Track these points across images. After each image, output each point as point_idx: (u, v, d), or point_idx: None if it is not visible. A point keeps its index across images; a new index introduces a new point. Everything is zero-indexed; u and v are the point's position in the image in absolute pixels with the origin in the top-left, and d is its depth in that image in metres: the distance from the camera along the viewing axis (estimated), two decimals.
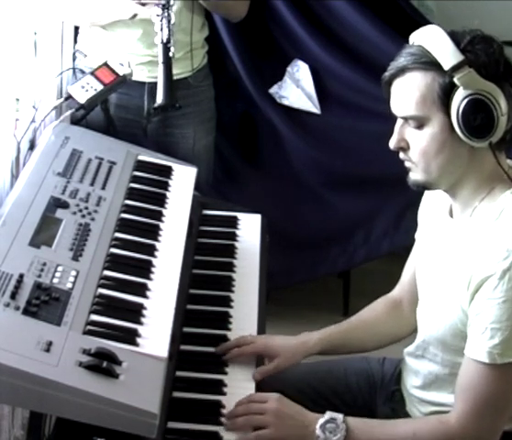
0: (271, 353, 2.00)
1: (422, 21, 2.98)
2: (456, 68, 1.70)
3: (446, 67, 1.71)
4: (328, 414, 1.79)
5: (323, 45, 3.15)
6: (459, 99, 1.71)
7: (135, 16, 2.58)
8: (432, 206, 2.00)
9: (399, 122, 1.82)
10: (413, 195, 3.39)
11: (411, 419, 1.95)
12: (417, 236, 2.07)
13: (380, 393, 2.11)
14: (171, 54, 2.47)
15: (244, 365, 1.95)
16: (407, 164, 1.84)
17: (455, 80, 1.71)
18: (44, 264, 1.72)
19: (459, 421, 1.76)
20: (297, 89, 3.17)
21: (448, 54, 1.71)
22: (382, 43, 3.07)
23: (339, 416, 1.78)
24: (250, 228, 2.38)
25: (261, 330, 2.09)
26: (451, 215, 1.90)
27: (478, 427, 1.75)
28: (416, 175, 1.83)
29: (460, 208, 1.85)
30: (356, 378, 2.14)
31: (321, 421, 1.78)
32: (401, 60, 1.78)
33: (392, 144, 1.83)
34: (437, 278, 1.90)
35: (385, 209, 3.28)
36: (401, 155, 1.84)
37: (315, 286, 3.55)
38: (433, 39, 1.74)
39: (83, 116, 2.42)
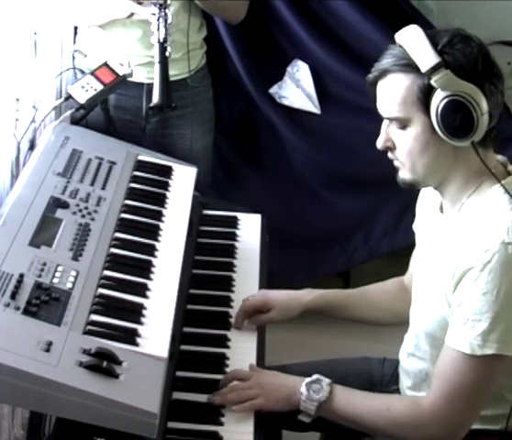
0: (268, 305, 2.09)
1: (422, 21, 2.98)
2: (433, 70, 1.72)
3: (423, 69, 1.73)
4: (316, 376, 1.86)
5: (323, 45, 3.15)
6: (437, 101, 1.73)
7: (132, 15, 2.58)
8: (426, 202, 2.02)
9: (385, 122, 1.86)
10: (413, 195, 3.39)
11: (389, 395, 1.98)
12: (414, 227, 2.09)
13: (380, 393, 2.12)
14: (167, 54, 2.46)
15: (244, 365, 1.95)
16: (396, 163, 1.87)
17: (432, 82, 1.73)
18: (44, 264, 1.72)
19: (430, 405, 1.79)
20: (297, 89, 3.17)
21: (425, 56, 1.73)
22: (382, 43, 3.03)
23: (326, 379, 1.85)
24: (250, 228, 2.38)
25: (260, 330, 2.10)
26: (442, 211, 1.91)
27: (448, 414, 1.77)
28: (403, 174, 1.86)
29: (449, 204, 1.87)
30: (356, 378, 2.15)
31: (308, 380, 1.85)
32: (383, 62, 1.82)
33: (379, 144, 1.87)
34: (427, 273, 1.92)
35: (385, 209, 3.28)
36: (389, 154, 1.87)
37: (315, 286, 3.54)
38: (412, 41, 1.76)
39: (83, 116, 2.42)
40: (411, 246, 2.21)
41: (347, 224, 3.31)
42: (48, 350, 1.52)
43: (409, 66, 1.75)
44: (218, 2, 2.74)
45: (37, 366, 1.48)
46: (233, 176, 3.31)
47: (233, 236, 2.34)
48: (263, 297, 2.12)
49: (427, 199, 2.02)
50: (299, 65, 3.17)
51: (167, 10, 2.47)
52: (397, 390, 2.08)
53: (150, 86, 2.67)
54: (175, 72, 2.63)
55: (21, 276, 1.66)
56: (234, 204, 2.53)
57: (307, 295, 2.14)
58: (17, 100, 2.50)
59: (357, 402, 1.85)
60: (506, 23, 3.42)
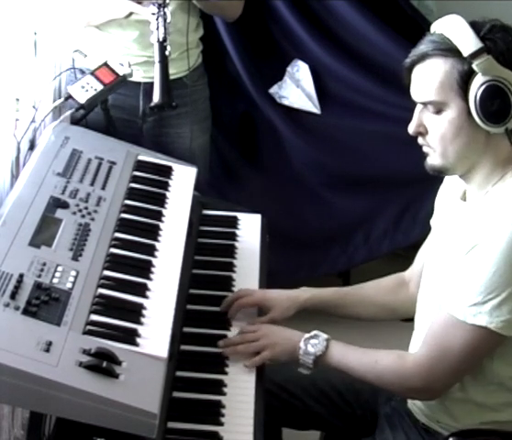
0: (267, 305, 2.11)
1: (422, 21, 2.99)
2: (475, 55, 1.76)
3: (465, 54, 1.77)
4: (315, 332, 1.94)
5: (323, 45, 3.15)
6: (477, 85, 1.77)
7: (130, 14, 2.58)
8: (446, 195, 2.04)
9: (418, 107, 1.88)
10: (413, 195, 3.40)
11: (379, 350, 2.00)
12: (432, 222, 2.11)
13: (382, 392, 2.12)
14: (167, 53, 2.46)
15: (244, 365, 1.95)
16: (425, 149, 1.89)
17: (474, 66, 1.77)
18: (44, 264, 1.72)
19: (415, 361, 1.86)
20: (297, 89, 3.17)
21: (467, 41, 1.77)
22: (382, 43, 3.07)
23: (324, 335, 1.93)
24: (250, 228, 2.38)
25: None
26: (464, 199, 1.94)
27: (429, 373, 1.84)
28: (433, 160, 1.88)
29: (474, 192, 1.90)
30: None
31: (307, 335, 1.93)
32: (422, 47, 1.84)
33: (411, 129, 1.89)
34: (444, 263, 1.93)
35: (385, 209, 3.28)
36: (419, 140, 1.90)
37: (315, 286, 3.54)
38: (454, 27, 1.80)
39: (82, 116, 2.41)
40: (411, 246, 2.21)
41: (347, 224, 3.31)
42: (48, 350, 1.52)
43: (449, 50, 1.79)
44: (216, 2, 2.74)
45: (37, 366, 1.47)
46: (233, 176, 3.31)
47: (233, 236, 2.34)
48: (263, 297, 2.13)
49: (446, 193, 2.04)
50: (299, 65, 3.17)
51: (166, 9, 2.47)
52: None
53: (146, 85, 2.68)
54: (173, 71, 2.62)
55: (21, 276, 1.65)
56: (234, 204, 2.53)
57: (304, 294, 2.16)
58: (17, 100, 2.50)
59: (350, 356, 1.92)
60: (506, 23, 3.42)
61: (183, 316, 2.03)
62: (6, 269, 1.67)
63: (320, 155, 3.24)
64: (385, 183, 3.24)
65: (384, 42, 3.05)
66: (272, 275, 2.35)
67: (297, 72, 3.17)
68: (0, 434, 2.30)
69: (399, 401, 2.07)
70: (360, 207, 3.29)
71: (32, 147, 2.41)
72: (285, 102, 3.20)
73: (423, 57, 1.83)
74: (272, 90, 3.20)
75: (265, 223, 2.42)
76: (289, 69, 3.18)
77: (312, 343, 1.92)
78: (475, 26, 1.80)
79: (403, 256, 2.26)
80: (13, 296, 1.60)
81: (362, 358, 1.92)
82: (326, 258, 3.32)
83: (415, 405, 2.01)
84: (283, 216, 3.20)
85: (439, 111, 1.83)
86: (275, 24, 3.17)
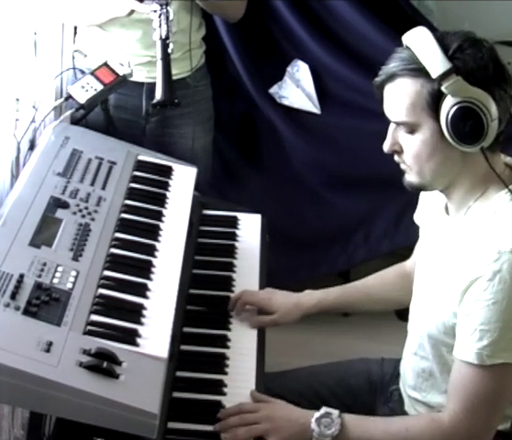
0: (270, 308, 2.10)
1: (422, 21, 2.98)
2: (444, 76, 1.70)
3: (434, 75, 1.71)
4: (324, 409, 1.81)
5: (323, 45, 3.15)
6: (447, 107, 1.71)
7: (132, 12, 2.57)
8: (430, 204, 2.01)
9: (392, 126, 1.84)
10: (413, 195, 3.39)
11: (405, 417, 1.96)
12: (415, 217, 2.11)
13: (380, 394, 2.12)
14: (169, 50, 2.46)
15: (244, 365, 1.95)
16: (402, 166, 1.86)
17: (443, 88, 1.71)
18: (44, 264, 1.72)
19: (451, 419, 1.77)
20: (297, 89, 3.17)
21: (435, 62, 1.70)
22: (382, 43, 3.07)
23: (335, 411, 1.80)
24: (250, 228, 2.38)
25: (260, 330, 2.09)
26: (447, 213, 1.91)
27: (470, 426, 1.76)
28: (410, 177, 1.84)
29: (454, 207, 1.87)
30: (356, 379, 2.15)
31: (317, 415, 1.80)
32: (391, 66, 1.78)
33: (385, 147, 1.85)
34: (431, 275, 1.91)
35: (385, 209, 3.28)
36: (395, 158, 1.86)
37: (315, 286, 3.54)
38: (422, 45, 1.73)
39: (83, 116, 2.41)
40: (411, 246, 2.21)
41: (347, 224, 3.31)
42: (48, 350, 1.52)
43: (418, 71, 1.73)
44: (219, 2, 2.74)
45: (37, 366, 1.47)
46: (233, 176, 3.31)
47: (233, 236, 2.34)
48: (269, 299, 2.12)
49: (429, 204, 2.01)
50: (299, 65, 3.17)
51: (168, 7, 2.47)
52: (397, 390, 2.08)
53: (149, 86, 2.67)
54: (175, 72, 2.62)
55: (21, 276, 1.66)
56: (234, 204, 2.53)
57: (310, 300, 2.14)
58: (17, 100, 2.50)
59: (372, 429, 1.82)
60: (507, 23, 3.42)
61: (183, 316, 2.03)
62: (7, 269, 1.67)
63: (320, 155, 3.24)
64: (385, 183, 3.23)
65: (384, 42, 3.05)
66: (272, 275, 2.35)
67: (297, 72, 3.17)
68: (0, 434, 2.30)
69: (396, 402, 2.07)
70: (360, 207, 3.29)
71: (32, 147, 2.41)
72: (285, 102, 3.20)
73: (392, 76, 1.77)
74: (272, 90, 3.20)
75: (265, 223, 2.42)
76: (289, 69, 3.18)
77: (325, 423, 1.79)
78: (444, 42, 1.72)
79: (403, 256, 2.25)
80: (13, 296, 1.60)
81: (389, 428, 1.82)
82: (326, 258, 3.31)
83: (411, 407, 2.01)
84: (283, 216, 3.20)
85: (411, 131, 1.78)
86: (275, 24, 3.17)
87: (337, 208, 3.29)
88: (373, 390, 2.13)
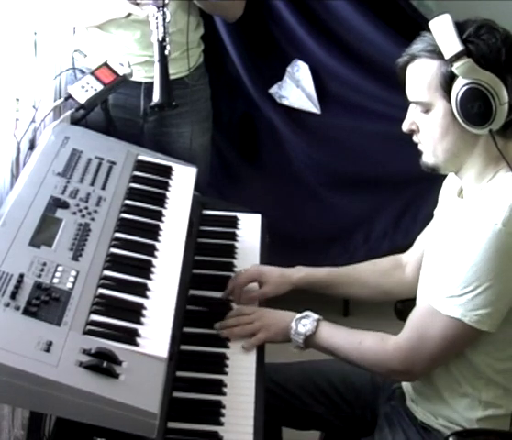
0: (262, 279, 2.16)
1: (422, 21, 2.98)
2: (456, 57, 1.78)
3: (447, 56, 1.79)
4: (307, 312, 1.98)
5: (323, 45, 3.16)
6: (458, 87, 1.79)
7: (129, 15, 2.58)
8: (448, 189, 2.06)
9: (412, 106, 1.91)
10: (413, 195, 3.40)
11: (364, 331, 2.01)
12: (435, 212, 2.12)
13: (382, 392, 2.12)
14: (166, 52, 2.46)
15: (244, 365, 1.95)
16: (420, 147, 1.92)
17: (454, 69, 1.78)
18: (44, 264, 1.72)
19: (395, 345, 1.89)
20: (297, 89, 3.17)
21: (449, 44, 1.79)
22: (382, 43, 3.07)
23: (315, 315, 1.97)
24: (250, 228, 2.38)
25: None
26: (461, 196, 1.95)
27: (407, 357, 1.87)
28: (426, 158, 1.91)
29: (468, 189, 1.91)
30: (359, 377, 2.15)
31: (298, 315, 1.98)
32: (413, 47, 1.87)
33: (404, 126, 1.93)
34: (440, 257, 1.94)
35: (385, 209, 3.28)
36: (414, 137, 1.93)
37: None
38: (440, 28, 1.82)
39: (83, 116, 2.41)
40: (411, 246, 2.20)
41: (347, 224, 3.32)
42: (48, 350, 1.52)
43: (435, 52, 1.82)
44: (217, 2, 2.74)
45: (37, 366, 1.47)
46: (233, 176, 3.31)
47: (233, 236, 2.34)
48: (258, 271, 2.17)
49: (449, 186, 2.05)
50: (299, 65, 3.17)
51: (165, 9, 2.47)
52: (399, 388, 2.09)
53: (147, 85, 2.67)
54: (173, 71, 2.63)
55: (21, 276, 1.65)
56: (234, 204, 2.53)
57: (297, 273, 2.19)
58: (17, 100, 2.50)
59: (336, 336, 1.96)
60: (507, 23, 3.42)
61: (183, 316, 2.03)
62: (7, 269, 1.66)
63: (320, 155, 3.24)
64: (385, 183, 3.24)
65: (384, 42, 3.06)
66: None
67: (297, 72, 3.18)
68: (0, 434, 2.30)
69: (399, 400, 2.07)
70: (360, 207, 3.29)
71: (32, 147, 2.41)
72: (285, 102, 3.20)
73: (413, 57, 1.87)
74: (272, 90, 3.20)
75: (265, 223, 2.42)
76: (289, 69, 3.18)
77: (303, 322, 1.96)
78: (462, 26, 1.81)
79: None
80: (13, 296, 1.60)
81: (347, 338, 1.96)
82: (326, 258, 3.31)
83: (413, 402, 2.02)
84: (283, 216, 3.21)
85: (426, 110, 1.86)
86: (275, 24, 3.17)
87: (337, 208, 3.30)
88: (376, 390, 2.14)
